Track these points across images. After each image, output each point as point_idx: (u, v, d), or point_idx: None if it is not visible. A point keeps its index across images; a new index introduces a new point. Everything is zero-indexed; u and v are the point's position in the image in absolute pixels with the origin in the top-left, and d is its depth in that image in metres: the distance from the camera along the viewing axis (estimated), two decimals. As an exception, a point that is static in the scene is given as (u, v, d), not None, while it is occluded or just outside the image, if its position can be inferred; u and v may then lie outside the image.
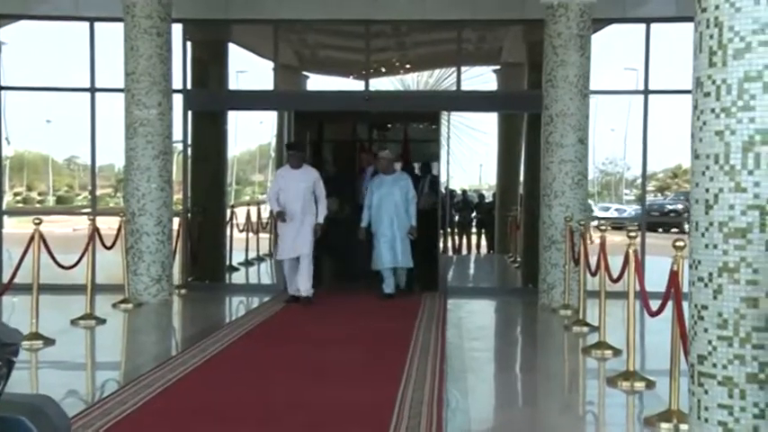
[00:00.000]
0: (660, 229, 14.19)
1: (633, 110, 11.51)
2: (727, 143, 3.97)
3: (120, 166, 11.96)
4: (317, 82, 13.18)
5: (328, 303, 10.02)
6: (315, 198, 10.05)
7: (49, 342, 7.56)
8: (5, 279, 9.10)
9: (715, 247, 4.00)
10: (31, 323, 7.68)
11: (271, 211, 10.93)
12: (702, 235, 4.07)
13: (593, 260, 8.30)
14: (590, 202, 14.33)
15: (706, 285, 4.03)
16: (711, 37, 4.01)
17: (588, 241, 8.74)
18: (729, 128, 3.96)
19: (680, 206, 16.65)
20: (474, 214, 14.83)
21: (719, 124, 3.99)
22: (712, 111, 4.02)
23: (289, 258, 10.02)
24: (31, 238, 8.02)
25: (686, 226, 14.54)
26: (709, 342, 4.00)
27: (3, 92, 11.50)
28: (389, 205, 10.54)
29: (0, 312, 9.16)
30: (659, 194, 15.60)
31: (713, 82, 4.01)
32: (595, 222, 10.45)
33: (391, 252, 10.51)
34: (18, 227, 12.17)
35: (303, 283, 9.94)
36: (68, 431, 2.03)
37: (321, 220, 10.03)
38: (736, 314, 3.92)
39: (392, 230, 10.52)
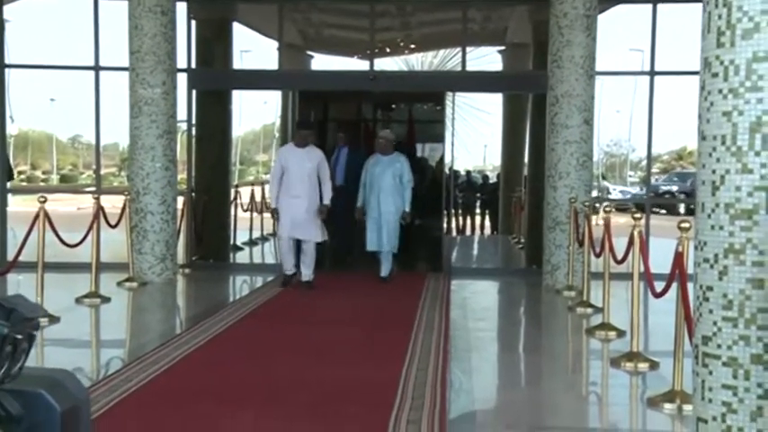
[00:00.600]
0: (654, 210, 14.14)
1: (639, 91, 11.47)
2: (735, 124, 3.94)
3: (125, 145, 11.97)
4: (322, 61, 13.15)
5: (332, 283, 10.03)
6: (318, 179, 9.70)
7: (54, 320, 7.59)
8: (10, 257, 9.12)
9: (721, 228, 3.99)
10: (36, 301, 7.69)
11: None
12: (708, 216, 4.05)
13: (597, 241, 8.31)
14: (606, 183, 14.35)
15: (711, 266, 4.02)
16: (720, 17, 3.98)
17: (594, 223, 8.75)
18: (737, 109, 3.93)
19: (674, 188, 16.56)
20: (478, 195, 14.84)
21: (727, 105, 3.97)
22: (720, 91, 4.00)
23: (288, 237, 9.66)
24: (36, 217, 8.03)
25: (680, 207, 14.58)
26: (714, 323, 4.00)
27: (7, 70, 11.47)
28: (379, 186, 10.24)
29: (6, 290, 9.19)
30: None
31: (721, 62, 3.99)
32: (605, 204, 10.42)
33: (375, 234, 10.25)
34: (22, 205, 12.19)
35: (305, 268, 9.67)
36: (87, 404, 2.06)
37: (327, 201, 9.66)
38: (742, 295, 3.91)
39: (378, 212, 10.23)
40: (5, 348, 1.75)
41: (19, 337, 1.78)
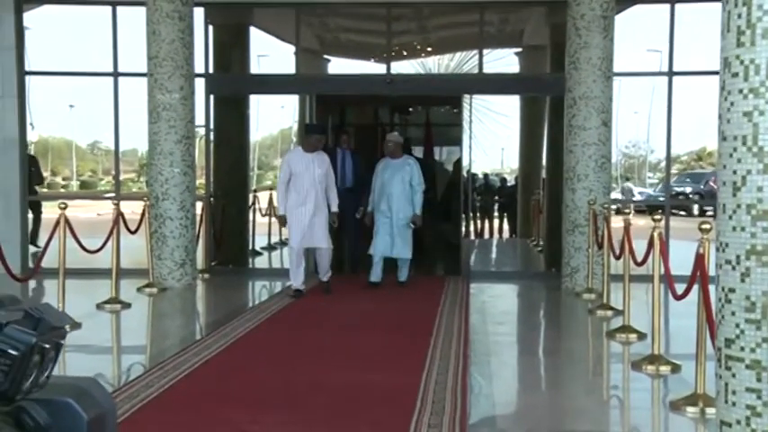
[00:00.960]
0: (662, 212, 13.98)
1: (657, 92, 11.40)
2: (756, 124, 3.92)
3: (144, 151, 12.01)
4: (339, 65, 13.16)
5: (350, 287, 10.03)
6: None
7: (75, 326, 7.62)
8: (32, 263, 9.18)
9: (743, 229, 3.96)
10: (57, 307, 7.70)
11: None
12: (730, 217, 4.02)
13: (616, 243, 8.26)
14: (629, 185, 14.25)
15: (734, 268, 3.99)
16: (739, 16, 3.95)
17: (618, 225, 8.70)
18: (758, 108, 3.90)
19: (688, 189, 16.24)
20: (496, 198, 14.80)
21: (748, 105, 3.94)
22: (740, 91, 3.97)
23: (299, 247, 9.29)
24: (57, 223, 8.08)
25: (695, 208, 14.38)
26: (737, 325, 3.97)
27: (27, 77, 11.56)
28: (390, 191, 9.98)
29: (28, 296, 9.24)
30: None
31: (741, 62, 3.96)
32: (615, 206, 10.37)
33: (387, 240, 9.99)
34: (43, 212, 12.26)
35: (322, 271, 9.56)
36: (114, 412, 2.06)
37: (336, 208, 9.44)
38: (765, 297, 3.88)
39: (390, 217, 9.99)
40: (33, 358, 1.75)
41: (47, 346, 1.79)
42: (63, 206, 8.16)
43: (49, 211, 11.34)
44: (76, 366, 6.21)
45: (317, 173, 9.22)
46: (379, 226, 10.04)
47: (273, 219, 13.10)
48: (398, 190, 9.97)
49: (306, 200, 9.16)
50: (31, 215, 11.83)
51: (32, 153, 12.31)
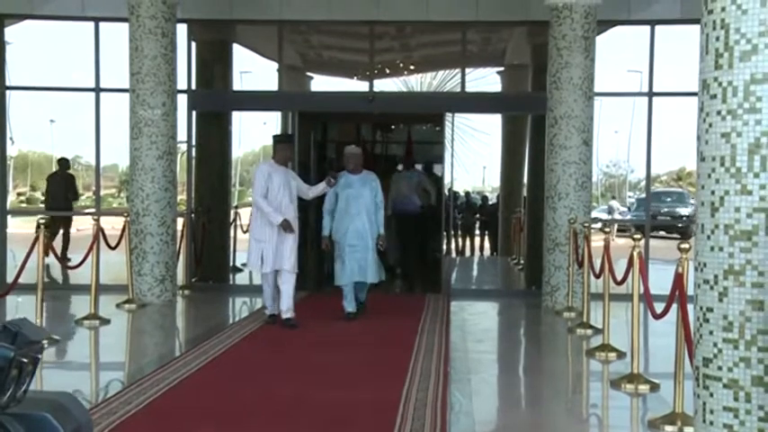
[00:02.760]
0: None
1: (637, 112, 11.50)
2: (734, 145, 3.96)
3: (125, 167, 11.97)
4: (321, 83, 13.20)
5: (331, 305, 10.00)
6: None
7: (53, 342, 7.57)
8: (10, 279, 9.11)
9: (721, 249, 3.99)
10: (35, 323, 7.68)
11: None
12: (708, 237, 4.06)
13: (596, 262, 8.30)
14: (613, 203, 14.32)
15: (711, 288, 4.02)
16: (717, 39, 4.01)
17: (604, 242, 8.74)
18: (735, 130, 3.95)
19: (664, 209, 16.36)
20: (477, 216, 14.84)
21: (726, 126, 3.98)
22: (718, 113, 4.02)
23: (273, 270, 8.54)
24: (36, 239, 8.03)
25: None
26: (715, 345, 3.99)
27: (8, 92, 11.51)
28: (359, 209, 9.02)
29: (5, 312, 9.16)
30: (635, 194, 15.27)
31: (719, 84, 4.01)
32: (598, 225, 10.42)
33: (359, 264, 8.97)
34: (22, 227, 12.18)
35: (286, 302, 8.51)
36: (90, 427, 2.06)
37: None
38: (742, 317, 3.91)
39: (362, 239, 9.00)
40: (11, 372, 1.74)
41: (24, 360, 1.78)
42: (42, 222, 8.10)
43: (28, 226, 11.27)
44: (54, 383, 6.15)
45: (291, 185, 8.64)
46: (345, 253, 9.00)
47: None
48: (369, 206, 9.09)
49: (283, 215, 8.51)
50: (61, 231, 11.97)
51: (70, 171, 12.68)
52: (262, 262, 8.50)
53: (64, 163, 12.74)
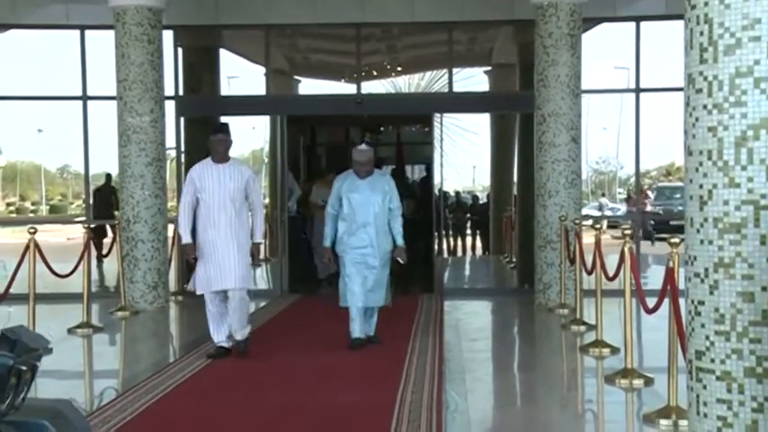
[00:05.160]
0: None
1: (625, 108, 11.55)
2: (720, 139, 3.98)
3: (115, 174, 11.95)
4: (309, 86, 13.20)
5: (324, 308, 9.99)
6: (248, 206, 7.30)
7: (46, 351, 7.54)
8: (1, 289, 9.08)
9: (710, 242, 4.01)
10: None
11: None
12: (698, 231, 4.08)
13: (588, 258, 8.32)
14: (604, 200, 14.26)
15: (702, 281, 4.04)
16: (701, 33, 4.03)
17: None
18: (722, 124, 3.97)
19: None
20: (468, 216, 14.85)
21: (712, 120, 4.01)
22: (704, 107, 4.04)
23: (213, 292, 7.12)
24: (27, 248, 8.00)
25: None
26: (707, 337, 4.02)
27: (-6, 102, 11.48)
28: (366, 219, 7.51)
29: (-4, 323, 9.13)
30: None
31: (705, 78, 4.03)
32: (589, 222, 10.45)
33: (365, 287, 7.50)
34: (12, 237, 12.15)
35: (236, 325, 7.12)
36: None
37: (260, 238, 7.45)
38: (733, 309, 3.93)
39: (370, 255, 7.51)
40: (10, 380, 1.74)
41: (23, 368, 1.78)
42: (32, 231, 8.08)
43: (19, 235, 11.24)
44: (49, 391, 6.11)
45: (230, 187, 7.09)
46: (350, 268, 7.51)
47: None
48: (377, 216, 7.55)
49: (218, 225, 7.04)
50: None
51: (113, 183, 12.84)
52: (197, 281, 7.17)
53: (108, 177, 13.06)
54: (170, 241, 10.85)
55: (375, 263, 7.53)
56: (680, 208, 15.11)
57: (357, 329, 7.55)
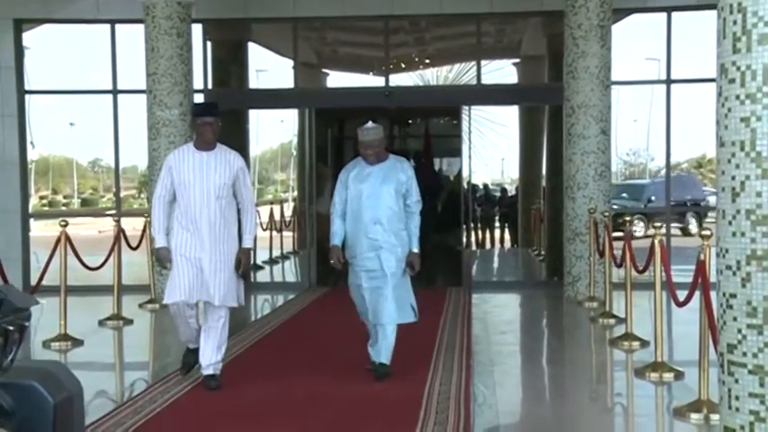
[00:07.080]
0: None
1: (656, 100, 11.44)
2: (753, 129, 3.93)
3: (144, 168, 12.03)
4: (337, 79, 13.20)
5: (350, 301, 9.99)
6: (236, 203, 6.01)
7: (77, 343, 7.64)
8: (33, 281, 9.19)
9: (743, 234, 3.96)
10: (59, 324, 7.77)
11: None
12: (729, 223, 4.03)
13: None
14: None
15: (734, 273, 4.00)
16: (735, 23, 3.97)
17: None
18: (755, 114, 3.92)
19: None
20: (497, 208, 14.80)
21: (745, 111, 3.95)
22: (737, 97, 3.98)
23: (183, 302, 5.79)
24: (58, 241, 8.09)
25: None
26: (739, 331, 3.97)
27: (27, 96, 11.60)
28: (375, 216, 6.10)
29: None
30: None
31: (738, 68, 3.97)
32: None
33: (374, 298, 6.12)
34: (44, 230, 12.27)
35: (209, 354, 5.85)
36: (81, 395, 2.03)
37: (250, 243, 5.96)
38: (766, 302, 3.88)
39: (379, 257, 6.09)
40: None
41: (10, 328, 1.73)
42: (64, 224, 8.17)
43: (51, 228, 11.36)
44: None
45: (214, 180, 5.84)
46: (357, 274, 6.23)
47: (275, 232, 13.13)
48: (391, 209, 6.15)
49: (198, 225, 5.79)
50: None
51: None
52: (168, 288, 5.86)
53: None
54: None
55: (392, 267, 6.08)
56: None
57: (374, 352, 6.20)
